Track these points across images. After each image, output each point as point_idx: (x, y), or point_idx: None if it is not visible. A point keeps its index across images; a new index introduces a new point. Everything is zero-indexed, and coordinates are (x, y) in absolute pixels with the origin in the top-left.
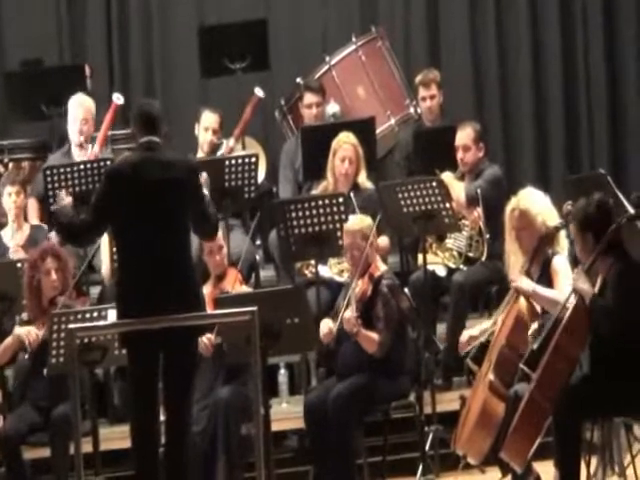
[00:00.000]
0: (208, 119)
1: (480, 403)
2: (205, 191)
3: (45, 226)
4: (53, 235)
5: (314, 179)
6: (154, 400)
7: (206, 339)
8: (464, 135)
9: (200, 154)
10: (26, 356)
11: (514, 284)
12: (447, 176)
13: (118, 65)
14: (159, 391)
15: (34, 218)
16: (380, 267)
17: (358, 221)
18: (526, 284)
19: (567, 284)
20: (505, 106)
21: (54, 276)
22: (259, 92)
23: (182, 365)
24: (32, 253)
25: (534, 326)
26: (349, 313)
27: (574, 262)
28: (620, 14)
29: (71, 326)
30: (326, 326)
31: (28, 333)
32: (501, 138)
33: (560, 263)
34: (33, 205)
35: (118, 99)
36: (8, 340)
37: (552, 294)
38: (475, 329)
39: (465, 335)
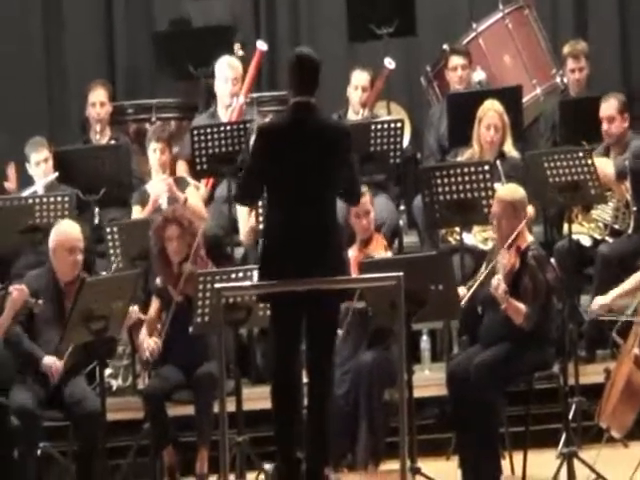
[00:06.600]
0: (358, 77)
1: (625, 377)
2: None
3: (188, 178)
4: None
5: (459, 146)
6: (296, 362)
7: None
8: (608, 106)
9: (351, 114)
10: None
11: None
12: None
13: (265, 29)
14: (301, 353)
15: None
16: (527, 238)
17: (511, 191)
18: None
19: None
20: None
21: (175, 243)
22: (390, 64)
23: (325, 327)
24: (155, 221)
25: None
26: (496, 281)
27: None
28: None
29: (217, 286)
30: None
31: (149, 346)
32: None
33: None
34: (182, 167)
35: (262, 45)
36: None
37: None
38: (607, 296)
39: (595, 304)
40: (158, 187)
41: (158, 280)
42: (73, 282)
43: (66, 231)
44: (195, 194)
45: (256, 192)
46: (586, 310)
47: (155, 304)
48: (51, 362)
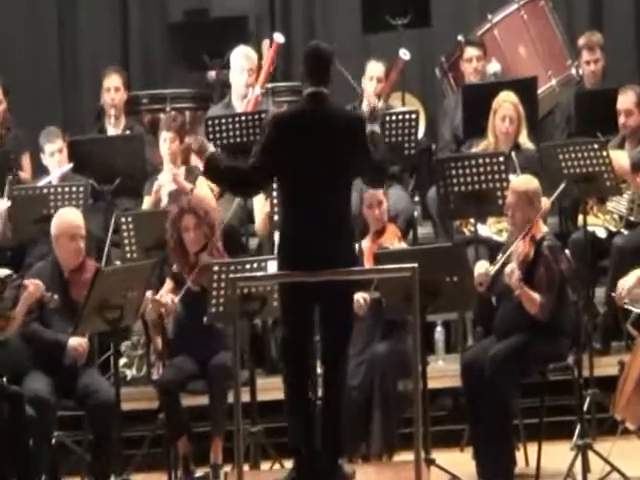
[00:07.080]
0: (372, 68)
1: (639, 369)
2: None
3: (200, 166)
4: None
5: (474, 137)
6: (306, 352)
7: (362, 298)
8: (626, 99)
9: (366, 105)
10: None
11: None
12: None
13: (279, 20)
14: (313, 343)
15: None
16: (541, 228)
17: (525, 182)
18: None
19: None
20: None
21: (192, 233)
22: (405, 55)
23: (339, 318)
24: (172, 211)
25: None
26: (510, 268)
27: None
28: None
29: (232, 276)
30: (483, 266)
31: (165, 301)
32: None
33: None
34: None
35: (279, 37)
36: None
37: None
38: (630, 277)
39: (620, 287)
40: (164, 177)
41: (175, 267)
42: (77, 270)
43: (67, 219)
44: (206, 183)
45: (261, 183)
46: (601, 302)
47: (169, 285)
48: (76, 344)
